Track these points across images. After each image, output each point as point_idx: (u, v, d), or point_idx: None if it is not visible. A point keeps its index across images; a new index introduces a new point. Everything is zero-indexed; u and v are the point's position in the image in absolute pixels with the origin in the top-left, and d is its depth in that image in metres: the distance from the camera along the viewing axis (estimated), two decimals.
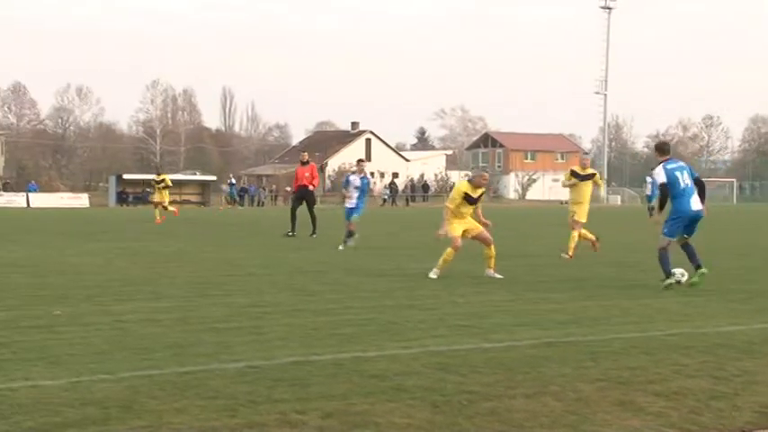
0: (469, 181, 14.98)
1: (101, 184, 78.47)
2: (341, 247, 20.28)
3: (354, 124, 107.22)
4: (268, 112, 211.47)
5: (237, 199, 76.19)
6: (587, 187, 19.32)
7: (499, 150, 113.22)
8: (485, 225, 14.79)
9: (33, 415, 5.73)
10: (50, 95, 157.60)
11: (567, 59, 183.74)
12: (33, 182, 76.93)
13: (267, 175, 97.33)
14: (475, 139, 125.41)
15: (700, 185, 13.18)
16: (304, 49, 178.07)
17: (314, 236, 24.44)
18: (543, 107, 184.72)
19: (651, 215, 18.66)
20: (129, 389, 6.42)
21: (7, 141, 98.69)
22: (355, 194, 21.41)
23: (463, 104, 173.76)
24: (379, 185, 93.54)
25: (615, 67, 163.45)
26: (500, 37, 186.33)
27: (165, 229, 29.38)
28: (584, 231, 18.73)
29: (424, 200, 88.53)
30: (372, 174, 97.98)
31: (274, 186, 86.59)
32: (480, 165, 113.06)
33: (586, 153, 21.34)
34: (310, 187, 25.14)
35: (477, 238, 14.79)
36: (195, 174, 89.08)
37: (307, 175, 25.00)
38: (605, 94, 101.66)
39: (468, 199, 14.97)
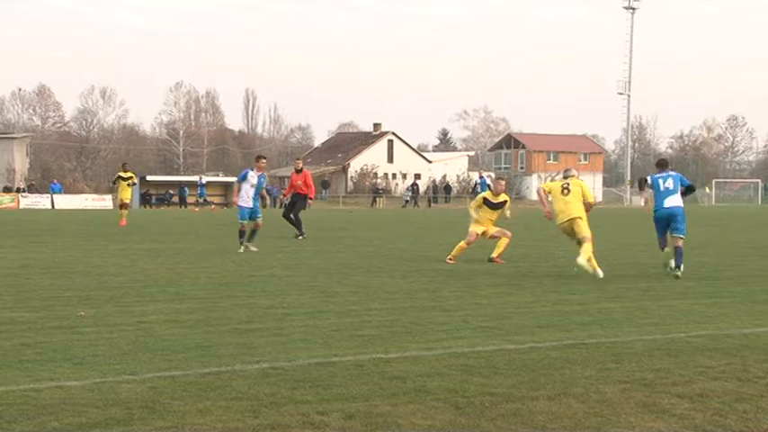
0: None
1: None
2: (241, 250, 19.05)
3: (377, 125, 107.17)
4: (290, 114, 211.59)
5: (205, 200, 70.28)
6: (496, 215, 17.58)
7: (521, 151, 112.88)
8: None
9: (58, 415, 5.77)
10: (75, 97, 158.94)
11: (590, 60, 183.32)
12: (56, 180, 77.18)
13: (290, 177, 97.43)
14: (497, 140, 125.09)
15: (690, 188, 15.64)
16: (327, 51, 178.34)
17: (300, 237, 24.67)
18: (566, 108, 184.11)
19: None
20: (153, 390, 6.45)
21: (32, 143, 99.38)
22: (251, 192, 20.05)
23: (486, 105, 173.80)
24: (401, 186, 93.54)
25: (639, 68, 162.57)
26: (523, 38, 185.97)
27: (188, 230, 29.51)
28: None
29: (446, 201, 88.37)
30: (395, 175, 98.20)
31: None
32: (503, 166, 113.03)
33: (501, 178, 19.89)
34: (309, 196, 25.69)
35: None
36: (218, 175, 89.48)
37: (299, 183, 25.50)
38: (629, 95, 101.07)
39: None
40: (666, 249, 14.96)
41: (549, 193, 15.59)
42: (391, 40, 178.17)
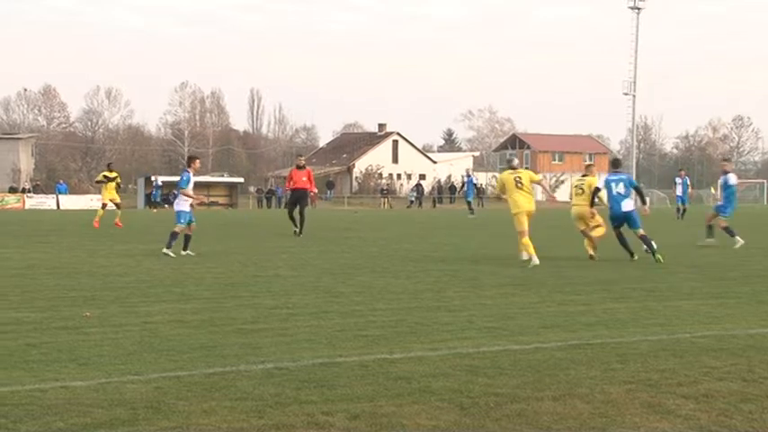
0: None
1: (129, 186, 79.05)
2: (184, 252, 18.20)
3: (381, 126, 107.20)
4: (295, 114, 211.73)
5: (158, 202, 66.18)
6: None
7: (527, 152, 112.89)
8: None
9: (63, 415, 5.78)
10: (80, 98, 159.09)
11: (595, 60, 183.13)
12: (61, 181, 77.18)
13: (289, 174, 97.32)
14: (502, 140, 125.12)
15: (638, 191, 18.24)
16: (332, 51, 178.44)
17: (300, 235, 25.02)
18: (571, 108, 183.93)
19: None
20: (158, 390, 6.46)
21: (38, 144, 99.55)
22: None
23: (491, 106, 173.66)
24: (405, 187, 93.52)
25: (644, 68, 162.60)
26: (528, 37, 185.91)
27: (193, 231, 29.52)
28: None
29: (451, 201, 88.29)
30: (399, 175, 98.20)
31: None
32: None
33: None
34: (311, 192, 26.41)
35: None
36: (223, 175, 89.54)
37: (304, 179, 26.12)
38: (634, 95, 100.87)
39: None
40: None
41: (504, 185, 17.32)
42: (396, 40, 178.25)
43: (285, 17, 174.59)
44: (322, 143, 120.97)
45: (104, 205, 31.05)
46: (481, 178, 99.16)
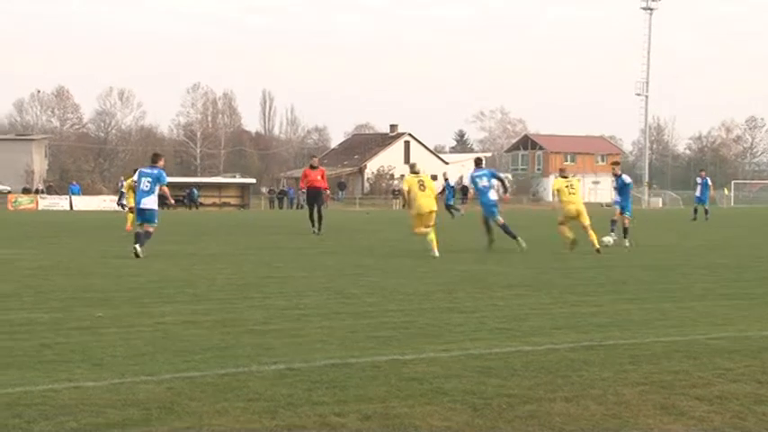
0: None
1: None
2: (141, 254, 17.53)
3: (393, 127, 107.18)
4: (307, 115, 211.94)
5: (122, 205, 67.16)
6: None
7: (539, 152, 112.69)
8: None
9: (77, 416, 5.80)
10: (93, 99, 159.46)
11: (607, 61, 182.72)
12: (74, 182, 77.33)
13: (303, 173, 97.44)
14: (514, 141, 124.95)
15: (500, 179, 21.73)
16: (343, 53, 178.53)
17: (319, 234, 25.76)
18: (583, 109, 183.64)
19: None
20: (171, 390, 6.47)
21: (51, 145, 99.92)
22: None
23: (503, 107, 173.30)
24: None
25: (656, 69, 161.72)
26: (540, 38, 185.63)
27: (205, 231, 29.60)
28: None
29: (462, 202, 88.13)
30: None
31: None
32: (520, 167, 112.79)
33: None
34: (327, 192, 27.81)
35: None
36: (235, 176, 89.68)
37: (319, 178, 27.12)
38: (646, 96, 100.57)
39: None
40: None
41: (410, 188, 19.10)
42: (408, 41, 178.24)
43: (297, 19, 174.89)
44: (334, 144, 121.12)
45: (132, 209, 31.37)
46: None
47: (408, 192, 19.17)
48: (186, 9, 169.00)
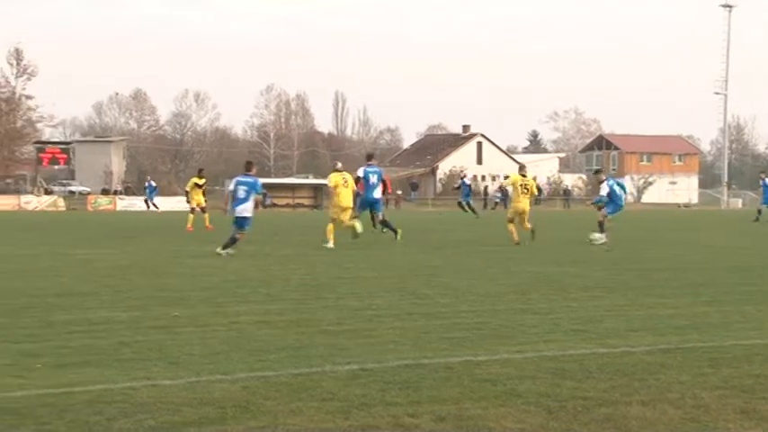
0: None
1: (216, 188, 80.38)
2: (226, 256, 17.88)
3: (465, 127, 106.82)
4: (379, 116, 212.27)
5: (153, 203, 64.30)
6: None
7: (614, 153, 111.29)
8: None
9: (154, 413, 5.89)
10: (169, 101, 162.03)
11: (684, 59, 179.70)
12: (150, 180, 78.53)
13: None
14: (589, 141, 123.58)
15: (384, 182, 23.08)
16: (416, 53, 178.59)
17: (379, 230, 26.22)
18: (660, 108, 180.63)
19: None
20: (245, 389, 6.53)
21: (129, 146, 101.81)
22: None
23: (577, 106, 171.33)
24: (490, 188, 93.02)
25: (736, 67, 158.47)
26: (614, 37, 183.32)
27: (279, 232, 29.85)
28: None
29: (536, 203, 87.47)
30: (484, 177, 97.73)
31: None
32: (594, 167, 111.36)
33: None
34: (388, 191, 30.67)
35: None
36: (308, 177, 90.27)
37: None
38: (725, 95, 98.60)
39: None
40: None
41: (336, 185, 21.53)
42: (481, 41, 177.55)
43: (369, 20, 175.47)
44: (406, 145, 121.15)
45: (193, 209, 31.57)
46: (567, 180, 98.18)
47: (335, 187, 21.50)
48: (259, 11, 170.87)
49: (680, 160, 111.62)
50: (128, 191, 78.07)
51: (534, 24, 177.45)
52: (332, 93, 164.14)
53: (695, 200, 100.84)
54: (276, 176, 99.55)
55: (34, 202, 66.15)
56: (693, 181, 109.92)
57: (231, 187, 19.20)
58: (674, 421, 5.81)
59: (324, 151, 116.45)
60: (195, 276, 14.42)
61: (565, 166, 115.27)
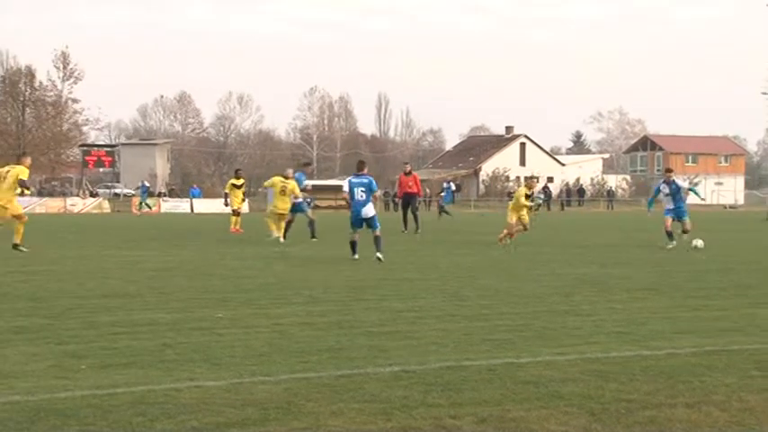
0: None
1: (260, 190, 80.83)
2: (383, 258, 17.62)
3: (509, 128, 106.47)
4: (422, 118, 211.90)
5: (147, 205, 64.97)
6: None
7: (658, 153, 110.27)
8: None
9: (197, 414, 5.92)
10: (213, 104, 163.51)
11: (730, 59, 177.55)
12: (195, 185, 79.24)
13: (422, 180, 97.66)
14: (633, 141, 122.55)
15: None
16: (458, 54, 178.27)
17: (418, 232, 28.19)
18: (705, 109, 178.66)
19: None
20: (288, 391, 6.55)
21: (173, 149, 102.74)
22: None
23: (621, 107, 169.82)
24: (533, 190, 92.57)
25: None
26: (659, 37, 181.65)
27: (322, 232, 29.94)
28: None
29: (579, 204, 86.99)
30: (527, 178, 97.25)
31: (428, 190, 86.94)
32: (639, 168, 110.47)
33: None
34: (419, 195, 30.63)
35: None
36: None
37: (411, 184, 29.96)
38: None
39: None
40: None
41: (274, 188, 24.53)
42: (524, 42, 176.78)
43: (412, 21, 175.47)
44: (449, 146, 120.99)
45: (234, 211, 31.45)
46: (611, 181, 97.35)
47: (276, 189, 24.16)
48: (302, 14, 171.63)
49: (726, 161, 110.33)
50: (172, 193, 78.73)
51: (578, 25, 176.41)
52: (375, 94, 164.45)
53: (741, 201, 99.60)
54: (319, 178, 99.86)
55: (80, 204, 66.97)
56: (739, 181, 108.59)
57: (346, 189, 18.97)
58: (719, 424, 5.74)
59: (367, 153, 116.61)
60: (238, 278, 14.50)
61: (609, 167, 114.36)
